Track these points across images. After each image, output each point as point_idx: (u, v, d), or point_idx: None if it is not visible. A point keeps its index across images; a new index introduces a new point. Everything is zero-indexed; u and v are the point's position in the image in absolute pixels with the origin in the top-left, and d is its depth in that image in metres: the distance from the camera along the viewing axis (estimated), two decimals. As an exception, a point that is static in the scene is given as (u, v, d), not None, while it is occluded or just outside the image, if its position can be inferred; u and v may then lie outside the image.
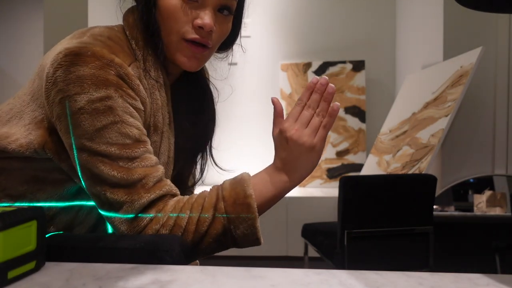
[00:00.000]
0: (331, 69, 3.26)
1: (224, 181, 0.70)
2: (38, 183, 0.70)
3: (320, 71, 3.26)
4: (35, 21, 3.95)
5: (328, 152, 3.22)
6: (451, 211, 2.40)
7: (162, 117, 0.74)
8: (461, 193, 2.49)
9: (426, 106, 2.37)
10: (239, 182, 0.68)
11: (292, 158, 0.69)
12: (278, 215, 2.73)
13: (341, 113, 3.22)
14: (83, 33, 0.69)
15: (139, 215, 0.64)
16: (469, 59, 2.20)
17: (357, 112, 3.22)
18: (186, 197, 0.68)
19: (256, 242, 0.69)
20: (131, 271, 0.55)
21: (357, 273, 0.54)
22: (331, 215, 2.62)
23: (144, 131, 0.69)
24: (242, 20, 0.82)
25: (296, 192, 2.93)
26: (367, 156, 3.13)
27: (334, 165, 3.21)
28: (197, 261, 0.95)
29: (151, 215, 0.64)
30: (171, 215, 0.65)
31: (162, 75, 0.74)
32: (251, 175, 0.72)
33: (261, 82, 3.35)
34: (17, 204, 0.70)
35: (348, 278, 0.52)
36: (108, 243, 0.63)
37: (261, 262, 2.71)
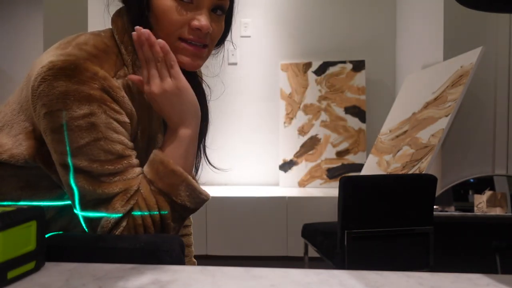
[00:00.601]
0: (331, 69, 3.25)
1: (143, 169, 0.70)
2: (33, 188, 0.71)
3: (320, 71, 3.26)
4: (35, 21, 3.95)
5: (328, 152, 3.22)
6: (451, 211, 2.40)
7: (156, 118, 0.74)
8: (461, 193, 2.48)
9: (426, 106, 2.37)
10: (153, 160, 0.69)
11: (169, 109, 0.69)
12: (278, 215, 2.73)
13: (341, 113, 3.22)
14: (68, 42, 0.69)
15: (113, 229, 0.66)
16: (469, 59, 2.20)
17: (357, 112, 3.22)
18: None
19: (204, 196, 0.71)
20: (131, 271, 0.55)
21: (357, 273, 0.54)
22: (331, 215, 2.62)
23: (130, 144, 0.69)
24: (233, 17, 0.82)
25: (296, 192, 2.93)
26: (367, 156, 3.12)
27: (334, 165, 3.21)
28: (195, 260, 0.95)
29: (121, 227, 0.66)
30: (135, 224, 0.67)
31: None
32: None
33: (261, 82, 3.35)
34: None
35: (348, 278, 0.52)
36: (108, 243, 0.64)
37: (261, 262, 2.70)
